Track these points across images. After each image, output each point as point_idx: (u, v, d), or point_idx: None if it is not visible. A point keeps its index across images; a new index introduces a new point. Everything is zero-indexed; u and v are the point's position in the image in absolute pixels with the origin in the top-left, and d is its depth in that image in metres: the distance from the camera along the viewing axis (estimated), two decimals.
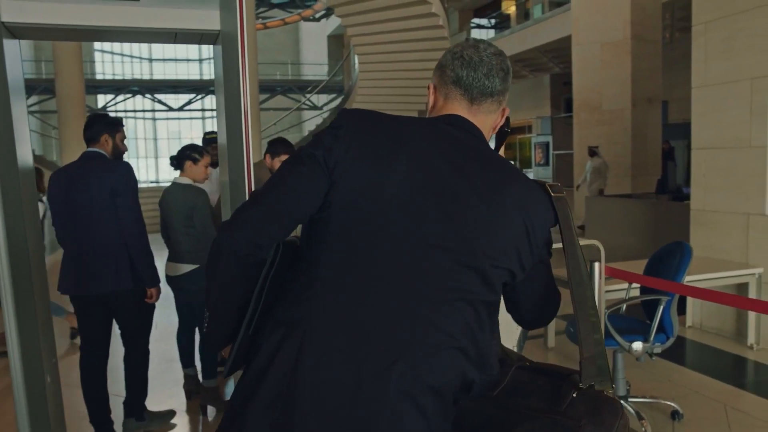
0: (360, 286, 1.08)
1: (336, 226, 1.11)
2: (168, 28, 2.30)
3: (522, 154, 28.81)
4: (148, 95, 32.43)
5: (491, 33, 24.57)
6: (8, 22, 2.07)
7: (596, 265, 2.78)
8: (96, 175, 2.92)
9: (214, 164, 4.38)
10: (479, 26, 26.46)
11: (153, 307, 3.22)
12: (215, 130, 4.77)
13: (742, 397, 3.56)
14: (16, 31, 2.18)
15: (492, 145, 1.31)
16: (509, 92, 1.28)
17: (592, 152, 10.80)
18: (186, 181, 3.61)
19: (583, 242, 1.66)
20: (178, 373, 4.05)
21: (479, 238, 1.11)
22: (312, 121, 19.58)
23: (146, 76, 33.32)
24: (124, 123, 3.25)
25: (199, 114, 36.88)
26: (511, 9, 24.24)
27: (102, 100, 30.83)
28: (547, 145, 23.88)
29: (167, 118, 33.80)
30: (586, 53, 11.00)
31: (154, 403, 3.48)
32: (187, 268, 3.50)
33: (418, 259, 1.09)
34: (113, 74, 31.11)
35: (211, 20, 2.33)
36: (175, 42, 2.49)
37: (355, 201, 1.11)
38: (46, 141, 25.30)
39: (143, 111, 34.85)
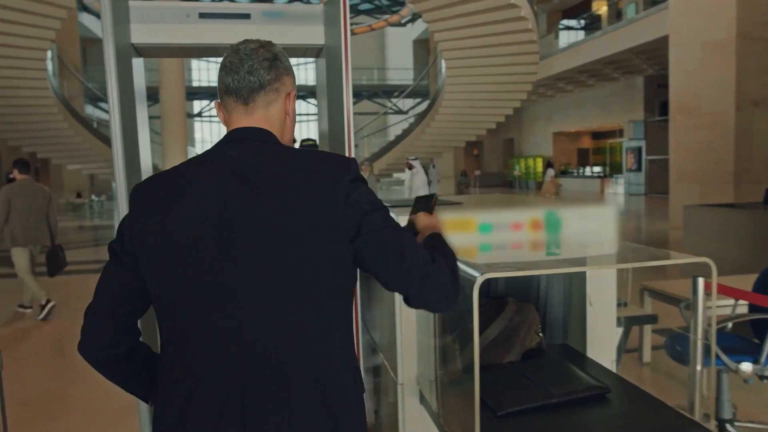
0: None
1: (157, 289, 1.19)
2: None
3: (612, 159, 27.82)
4: None
5: (580, 35, 23.88)
6: (137, 43, 2.26)
7: (699, 280, 2.66)
8: None
9: None
10: (568, 28, 25.82)
11: None
12: (311, 136, 4.97)
13: None
14: (142, 51, 2.37)
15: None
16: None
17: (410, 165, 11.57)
18: None
19: (692, 259, 1.62)
20: None
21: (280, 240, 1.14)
22: (398, 126, 19.71)
23: None
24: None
25: None
26: (602, 9, 23.46)
27: (198, 106, 32.51)
28: (639, 150, 22.93)
29: None
30: (684, 54, 10.52)
31: None
32: None
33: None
34: (208, 81, 32.60)
35: (315, 35, 2.44)
36: None
37: (160, 268, 1.16)
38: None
39: None
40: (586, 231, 2.10)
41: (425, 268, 1.15)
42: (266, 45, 1.28)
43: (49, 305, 6.25)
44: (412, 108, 27.19)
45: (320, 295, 1.15)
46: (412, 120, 20.31)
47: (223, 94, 1.26)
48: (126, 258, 1.19)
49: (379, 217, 1.19)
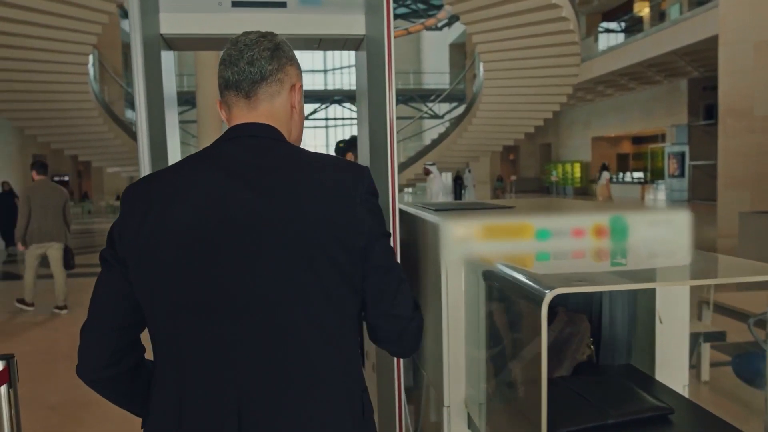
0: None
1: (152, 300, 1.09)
2: (313, 35, 2.26)
3: (653, 165, 27.08)
4: None
5: (620, 37, 23.35)
6: (166, 34, 2.13)
7: None
8: None
9: None
10: (608, 30, 25.31)
11: None
12: (345, 139, 4.81)
13: None
14: (173, 43, 2.24)
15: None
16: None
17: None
18: None
19: None
20: None
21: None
22: (434, 130, 19.54)
23: None
24: None
25: (323, 123, 38.30)
26: (644, 11, 22.88)
27: None
28: (682, 155, 22.27)
29: None
30: (735, 54, 10.08)
31: None
32: None
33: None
34: None
35: (356, 25, 2.27)
36: (317, 49, 2.46)
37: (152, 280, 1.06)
38: (183, 149, 27.24)
39: None
40: (657, 239, 1.88)
41: (409, 316, 1.15)
42: (267, 35, 1.20)
43: (25, 306, 6.74)
44: (448, 112, 26.94)
45: (321, 306, 1.07)
46: (447, 124, 20.09)
47: (223, 89, 1.17)
48: (119, 266, 1.08)
49: (386, 246, 1.15)
